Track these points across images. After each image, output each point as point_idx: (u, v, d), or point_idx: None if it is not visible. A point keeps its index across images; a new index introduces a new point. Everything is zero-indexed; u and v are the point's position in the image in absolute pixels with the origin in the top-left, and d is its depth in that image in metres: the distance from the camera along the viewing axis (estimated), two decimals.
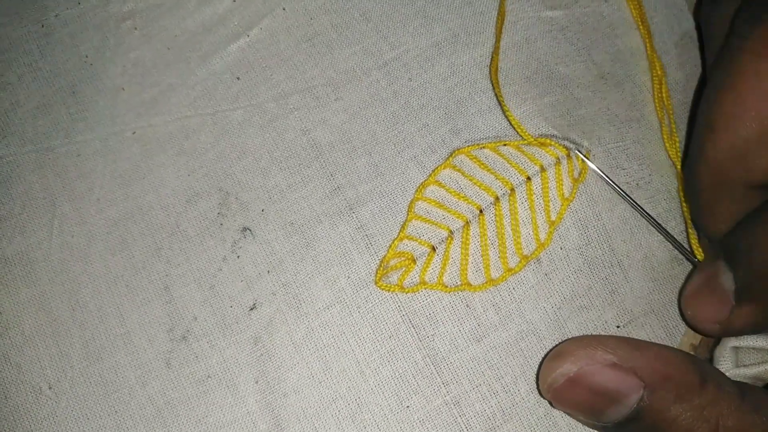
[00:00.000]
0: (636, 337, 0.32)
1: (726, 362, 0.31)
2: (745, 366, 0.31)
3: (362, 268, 0.33)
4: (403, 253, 0.33)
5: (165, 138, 0.36)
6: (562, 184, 0.33)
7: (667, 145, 0.34)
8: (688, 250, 0.33)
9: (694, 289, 0.31)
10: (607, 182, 0.33)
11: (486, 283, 0.33)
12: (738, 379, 0.30)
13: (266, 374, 0.33)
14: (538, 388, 0.32)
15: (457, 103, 0.35)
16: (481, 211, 0.33)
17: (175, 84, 0.37)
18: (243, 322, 0.33)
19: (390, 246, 0.33)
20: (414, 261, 0.33)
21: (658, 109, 0.35)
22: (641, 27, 0.36)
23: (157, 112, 0.36)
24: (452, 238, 0.33)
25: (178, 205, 0.35)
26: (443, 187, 0.34)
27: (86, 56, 0.37)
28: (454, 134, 0.35)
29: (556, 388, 0.29)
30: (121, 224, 0.35)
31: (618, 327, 0.33)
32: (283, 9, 0.37)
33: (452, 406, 0.32)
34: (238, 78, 0.37)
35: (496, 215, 0.33)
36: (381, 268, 0.33)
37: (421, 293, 0.33)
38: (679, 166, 0.34)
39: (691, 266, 0.33)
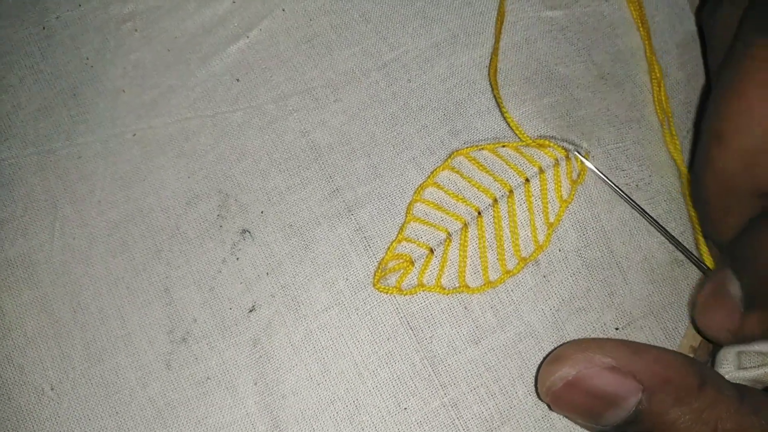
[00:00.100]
0: (635, 340, 0.32)
1: (729, 365, 0.31)
2: (744, 369, 0.31)
3: (360, 270, 0.33)
4: (402, 255, 0.33)
5: (165, 140, 0.36)
6: (560, 186, 0.33)
7: (670, 148, 0.34)
8: (697, 257, 0.32)
9: (703, 298, 0.30)
10: (608, 184, 0.33)
11: (484, 285, 0.33)
12: (737, 382, 0.30)
13: (265, 376, 0.33)
14: (536, 390, 0.32)
15: (456, 104, 0.35)
16: (479, 213, 0.33)
17: (175, 86, 0.37)
18: (242, 324, 0.34)
19: (388, 248, 0.33)
20: (412, 263, 0.33)
21: (658, 111, 0.34)
22: (641, 29, 0.35)
23: (157, 113, 0.37)
24: (450, 240, 0.33)
25: (178, 207, 0.35)
26: (442, 188, 0.34)
27: (87, 58, 0.37)
28: (453, 135, 0.35)
29: (555, 391, 0.29)
30: (122, 226, 0.35)
31: (617, 329, 0.32)
32: (283, 10, 0.37)
33: (450, 408, 0.32)
34: (237, 79, 0.37)
35: (494, 217, 0.33)
36: (379, 270, 0.33)
37: (419, 295, 0.33)
38: (684, 170, 0.33)
39: (691, 268, 0.33)
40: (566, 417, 0.31)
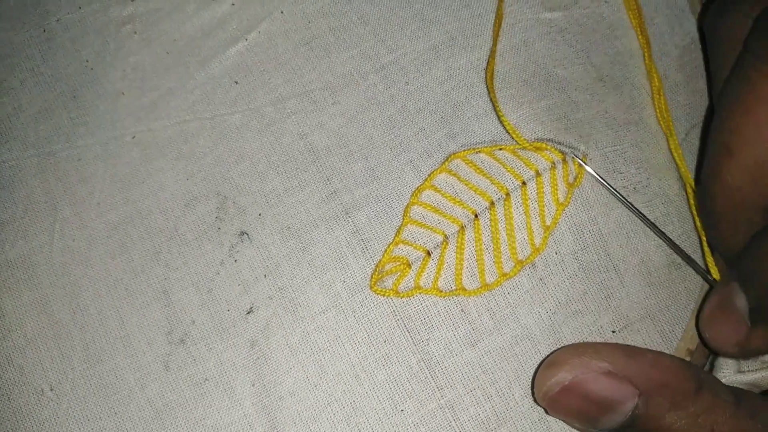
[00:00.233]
0: (632, 342, 0.32)
1: (728, 369, 0.31)
2: (742, 372, 0.31)
3: (358, 272, 0.34)
4: (399, 257, 0.33)
5: (164, 142, 0.36)
6: (557, 189, 0.33)
7: (675, 157, 0.34)
8: (704, 269, 0.32)
9: (710, 312, 0.30)
10: (606, 187, 0.33)
11: (481, 287, 0.33)
12: (735, 386, 0.30)
13: (263, 377, 0.33)
14: (533, 394, 0.32)
15: (454, 106, 0.35)
16: (476, 216, 0.33)
17: (174, 88, 0.37)
18: (240, 326, 0.34)
19: (385, 250, 0.33)
20: (409, 265, 0.33)
21: (660, 121, 0.34)
22: (640, 37, 0.35)
23: (156, 116, 0.37)
24: (447, 243, 0.33)
25: (176, 209, 0.35)
26: (439, 191, 0.34)
27: (87, 61, 0.38)
28: (451, 138, 0.35)
29: (551, 396, 0.29)
30: (121, 228, 0.35)
31: (613, 332, 0.32)
32: (281, 13, 0.37)
33: (446, 410, 0.32)
34: (236, 82, 0.37)
35: (491, 220, 0.33)
36: (376, 273, 0.33)
37: (416, 298, 0.33)
38: (690, 182, 0.33)
39: (689, 271, 0.33)
40: (563, 421, 0.31)
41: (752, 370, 0.31)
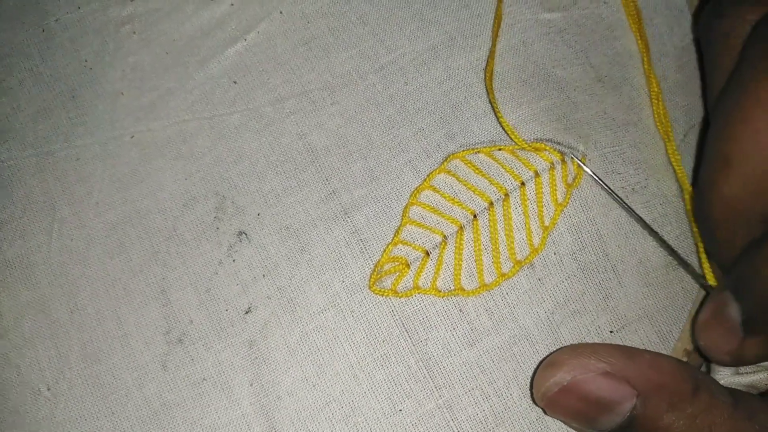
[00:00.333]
0: (629, 343, 0.32)
1: (726, 370, 0.31)
2: (740, 374, 0.31)
3: (356, 272, 0.34)
4: (397, 257, 0.33)
5: (163, 142, 0.36)
6: (556, 189, 0.33)
7: (673, 162, 0.34)
8: (701, 274, 0.32)
9: (704, 320, 0.30)
10: (605, 189, 0.33)
11: (479, 288, 0.33)
12: (732, 387, 0.30)
13: (261, 377, 0.33)
14: (531, 394, 0.32)
15: (453, 107, 0.35)
16: (475, 216, 0.33)
17: (173, 88, 0.37)
18: (238, 326, 0.34)
19: (384, 250, 0.33)
20: (408, 266, 0.33)
21: (657, 124, 0.34)
22: (639, 42, 0.35)
23: (155, 116, 0.37)
24: (446, 243, 0.33)
25: (175, 209, 0.35)
26: (438, 191, 0.34)
27: (86, 60, 0.38)
28: (449, 138, 0.35)
29: (550, 396, 0.29)
30: (119, 228, 0.35)
31: (611, 332, 0.32)
32: (281, 13, 0.37)
33: (445, 410, 0.32)
34: (235, 82, 0.37)
35: (490, 220, 0.33)
36: (375, 273, 0.33)
37: (414, 298, 0.33)
38: (688, 187, 0.33)
39: (682, 270, 0.33)
40: (561, 421, 0.31)
41: (750, 372, 0.31)
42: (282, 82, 0.36)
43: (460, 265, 0.33)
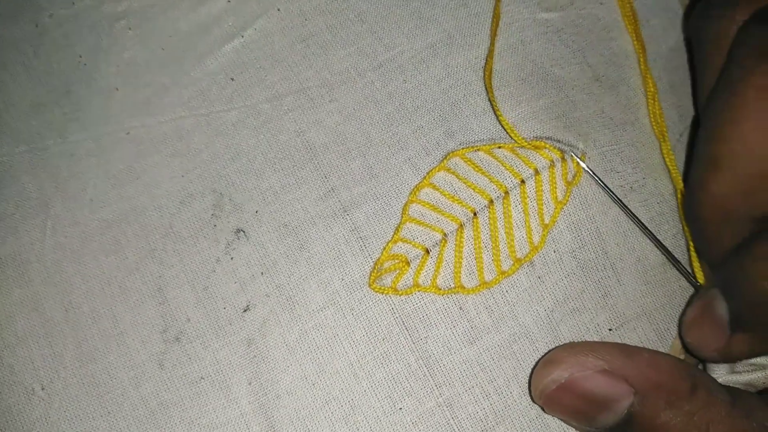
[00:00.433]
0: (628, 341, 0.32)
1: (720, 369, 0.31)
2: (738, 373, 0.31)
3: (356, 270, 0.33)
4: (397, 255, 0.33)
5: (159, 138, 0.36)
6: (555, 187, 0.33)
7: (666, 162, 0.34)
8: (689, 271, 0.33)
9: (692, 317, 0.31)
10: (602, 187, 0.33)
11: (479, 285, 0.33)
12: (730, 385, 0.30)
13: (259, 376, 0.33)
14: (530, 393, 0.32)
15: (452, 105, 0.35)
16: (475, 214, 0.33)
17: (169, 84, 0.37)
18: (236, 324, 0.33)
19: (384, 248, 0.33)
20: (408, 263, 0.33)
21: (653, 125, 0.35)
22: (635, 42, 0.36)
23: (150, 112, 0.36)
24: (446, 241, 0.33)
25: (171, 206, 0.35)
26: (437, 189, 0.34)
27: (80, 56, 0.37)
28: (449, 136, 0.35)
29: (548, 394, 0.29)
30: (115, 225, 0.35)
31: (610, 330, 0.33)
32: (278, 10, 0.37)
33: (445, 408, 0.32)
34: (232, 79, 0.36)
35: (489, 218, 0.33)
36: (375, 271, 0.33)
37: (414, 296, 0.33)
38: (680, 186, 0.33)
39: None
40: (560, 419, 0.31)
41: (747, 371, 0.31)
42: (280, 79, 0.36)
43: (460, 262, 0.33)
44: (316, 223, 0.34)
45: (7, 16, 0.38)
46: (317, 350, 0.33)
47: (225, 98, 0.36)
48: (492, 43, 0.35)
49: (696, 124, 0.35)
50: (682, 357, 0.32)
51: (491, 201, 0.33)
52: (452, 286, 0.33)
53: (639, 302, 0.33)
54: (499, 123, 0.34)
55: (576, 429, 0.31)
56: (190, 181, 0.35)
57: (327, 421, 0.32)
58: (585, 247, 0.33)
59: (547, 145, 0.34)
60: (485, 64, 0.35)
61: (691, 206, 0.30)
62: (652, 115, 0.35)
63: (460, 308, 0.33)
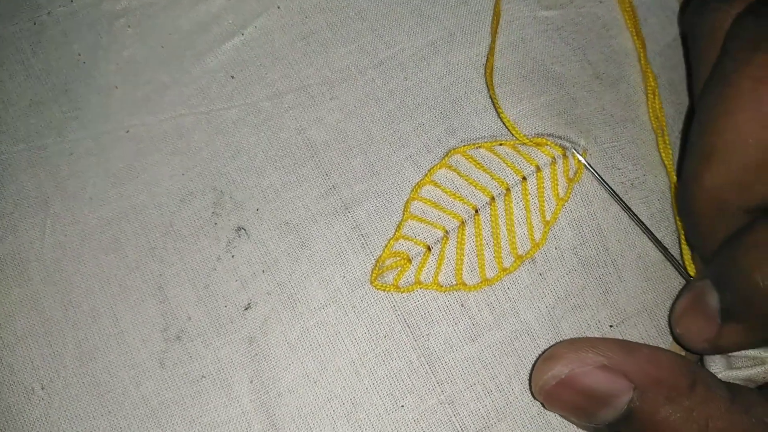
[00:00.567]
0: (629, 337, 0.33)
1: (717, 365, 0.31)
2: (737, 368, 0.31)
3: (358, 267, 0.33)
4: (399, 252, 0.33)
5: (159, 137, 0.36)
6: (557, 184, 0.33)
7: (663, 156, 0.34)
8: (681, 264, 0.33)
9: (682, 308, 0.31)
10: (601, 183, 0.33)
11: (481, 282, 0.33)
12: (730, 381, 0.30)
13: (261, 374, 0.33)
14: (530, 389, 0.32)
15: (453, 102, 0.35)
16: (476, 211, 0.34)
17: (168, 82, 0.36)
18: (237, 322, 0.33)
19: (385, 246, 0.33)
20: (409, 261, 0.33)
21: (652, 120, 0.35)
22: (636, 39, 0.36)
23: (150, 110, 0.36)
24: (448, 238, 0.33)
25: (171, 205, 0.35)
26: (439, 186, 0.34)
27: (79, 54, 0.37)
28: (450, 134, 0.35)
29: (548, 390, 0.29)
30: (115, 223, 0.35)
31: (611, 326, 0.33)
32: (278, 7, 0.37)
33: (447, 405, 0.32)
34: (232, 77, 0.36)
35: (491, 215, 0.33)
36: (376, 268, 0.33)
37: (416, 293, 0.33)
38: (674, 179, 0.34)
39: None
40: (560, 415, 0.31)
41: (747, 366, 0.31)
42: (280, 76, 0.36)
43: (462, 259, 0.33)
44: (318, 221, 0.34)
45: (5, 14, 0.38)
46: (319, 348, 0.33)
47: (225, 96, 0.36)
48: (493, 41, 0.35)
49: (689, 118, 0.35)
50: (682, 353, 0.32)
51: (493, 198, 0.33)
52: (454, 283, 0.33)
53: (640, 299, 0.33)
54: (501, 120, 0.34)
55: (576, 425, 0.31)
56: (190, 179, 0.35)
57: (329, 419, 0.32)
58: (586, 244, 0.33)
59: (549, 142, 0.34)
60: (486, 61, 0.35)
61: (685, 199, 0.31)
62: (651, 111, 0.35)
63: (462, 305, 0.33)
